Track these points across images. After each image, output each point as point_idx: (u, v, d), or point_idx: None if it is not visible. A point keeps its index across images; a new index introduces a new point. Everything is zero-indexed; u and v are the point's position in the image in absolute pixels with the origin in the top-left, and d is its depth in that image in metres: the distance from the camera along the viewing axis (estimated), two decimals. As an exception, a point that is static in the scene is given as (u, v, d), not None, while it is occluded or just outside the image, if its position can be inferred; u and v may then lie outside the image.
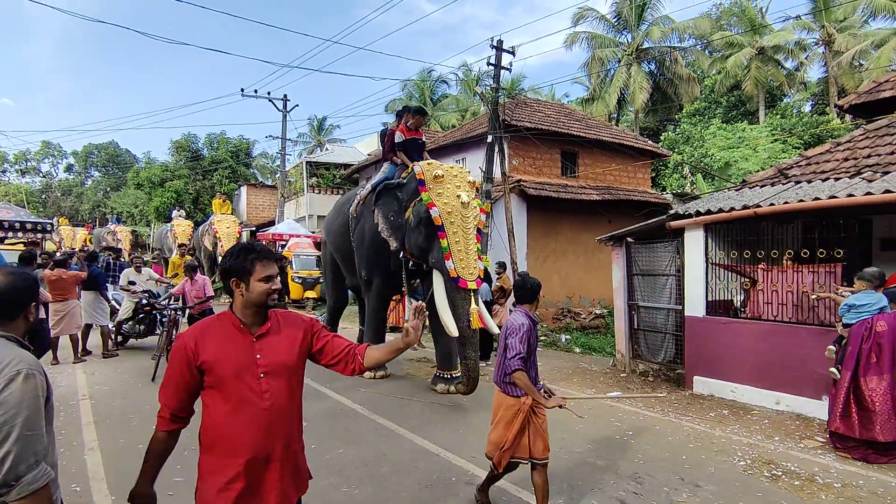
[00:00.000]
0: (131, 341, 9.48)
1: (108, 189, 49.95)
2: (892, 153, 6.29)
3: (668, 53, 25.65)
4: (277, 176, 21.26)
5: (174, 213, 23.93)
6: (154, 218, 33.46)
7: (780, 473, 4.46)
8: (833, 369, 5.17)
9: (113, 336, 9.10)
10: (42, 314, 8.31)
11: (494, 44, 11.90)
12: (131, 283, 8.99)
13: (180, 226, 21.18)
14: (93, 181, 54.73)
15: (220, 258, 15.70)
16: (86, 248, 18.88)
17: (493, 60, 11.96)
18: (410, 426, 5.51)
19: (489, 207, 11.65)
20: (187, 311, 7.58)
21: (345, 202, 8.48)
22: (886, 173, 5.85)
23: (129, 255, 14.28)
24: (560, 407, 3.43)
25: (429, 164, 6.46)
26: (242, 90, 19.21)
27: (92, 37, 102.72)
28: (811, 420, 5.82)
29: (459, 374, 6.60)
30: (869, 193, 5.45)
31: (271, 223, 22.27)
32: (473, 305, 5.90)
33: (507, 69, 12.46)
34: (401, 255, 6.83)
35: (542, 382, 3.64)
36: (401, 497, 3.91)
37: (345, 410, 6.13)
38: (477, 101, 27.73)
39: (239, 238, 17.33)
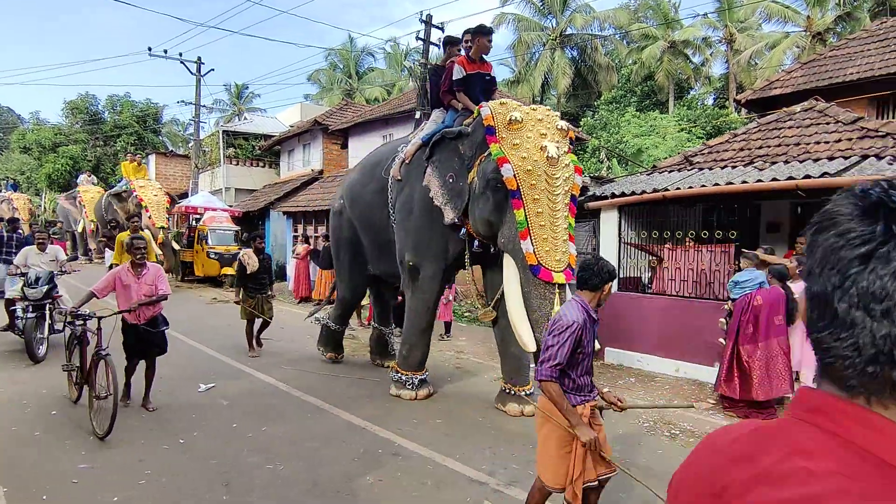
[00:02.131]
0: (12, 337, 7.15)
1: (-13, 152, 44.32)
2: (780, 145, 7.00)
3: (589, 41, 26.60)
4: (190, 145, 19.93)
5: (81, 177, 21.06)
6: (45, 186, 30.31)
7: (677, 433, 4.95)
8: (721, 339, 5.78)
9: None
10: None
11: (424, 18, 11.77)
12: (24, 269, 6.76)
13: (88, 192, 18.78)
14: (-34, 142, 48.31)
15: (147, 230, 12.84)
16: None
17: (422, 35, 11.83)
18: (336, 402, 5.51)
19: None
20: (117, 317, 4.77)
21: (377, 162, 6.43)
22: (774, 163, 6.51)
23: (31, 228, 12.23)
24: (585, 446, 2.69)
25: (502, 103, 4.78)
26: (150, 49, 17.66)
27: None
28: (705, 384, 6.47)
29: (533, 391, 5.18)
30: (759, 181, 6.06)
31: (184, 195, 20.86)
32: (559, 307, 4.18)
33: (436, 45, 12.38)
34: (461, 231, 5.17)
35: (597, 391, 2.99)
36: (328, 471, 3.93)
37: (267, 388, 6.00)
38: (405, 76, 27.37)
39: (169, 208, 15.27)
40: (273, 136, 21.58)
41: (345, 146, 17.36)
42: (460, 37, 5.70)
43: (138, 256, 4.84)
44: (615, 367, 7.30)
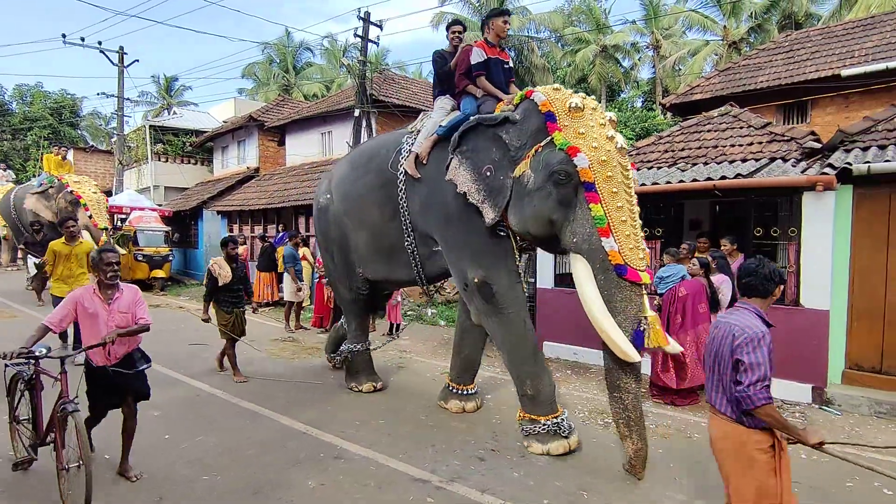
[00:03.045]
0: None
1: None
2: (700, 147, 7.49)
3: (525, 42, 27.23)
4: (114, 140, 18.70)
5: None
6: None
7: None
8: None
9: None
10: None
11: (362, 15, 11.65)
12: None
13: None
14: None
15: (86, 231, 11.06)
16: None
17: (360, 32, 11.71)
18: (275, 407, 5.39)
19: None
20: (78, 354, 3.68)
21: (371, 155, 5.67)
22: (695, 165, 6.97)
23: None
24: (819, 446, 2.48)
25: (556, 89, 4.29)
26: (64, 36, 16.41)
27: None
28: (635, 374, 6.83)
29: (476, 390, 5.44)
30: (682, 181, 6.47)
31: (108, 193, 19.58)
32: (651, 311, 3.97)
33: (375, 42, 12.30)
34: (500, 230, 4.53)
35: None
36: (268, 477, 3.86)
37: (202, 396, 5.78)
38: (343, 73, 26.94)
39: (107, 207, 13.22)
40: (205, 132, 20.67)
41: (282, 143, 16.90)
42: (452, 21, 5.47)
43: (109, 275, 3.62)
44: (552, 360, 7.57)
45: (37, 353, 3.40)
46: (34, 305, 10.86)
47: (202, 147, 21.11)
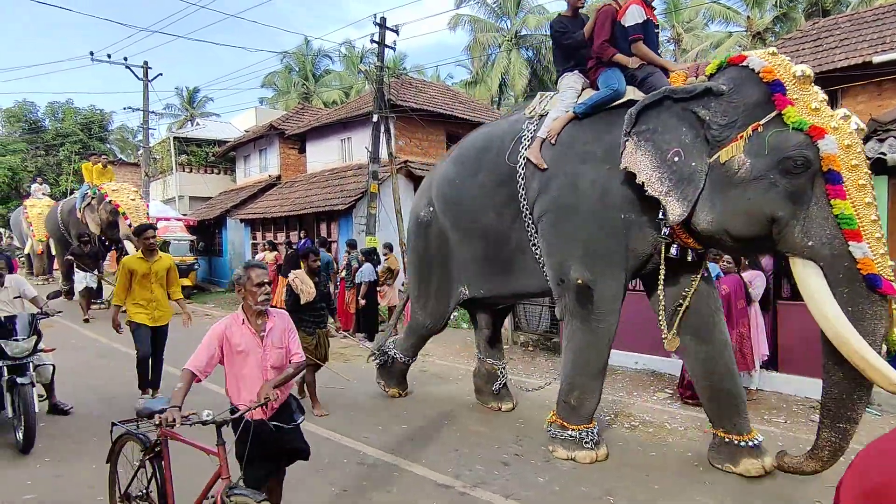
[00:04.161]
0: None
1: (-84, 165, 41.51)
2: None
3: (544, 42, 27.05)
4: (140, 152, 19.17)
5: (34, 185, 18.60)
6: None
7: (637, 424, 5.09)
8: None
9: None
10: None
11: (378, 21, 11.70)
12: None
13: (35, 207, 16.07)
14: None
15: (127, 241, 11.06)
16: None
17: (377, 38, 11.76)
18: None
19: (377, 188, 11.58)
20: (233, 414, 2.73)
21: (484, 147, 4.85)
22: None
23: None
24: None
25: (773, 54, 3.48)
26: (92, 54, 16.90)
27: None
28: (662, 375, 6.67)
29: (761, 440, 4.08)
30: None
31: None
32: None
33: (392, 48, 12.35)
34: (663, 230, 3.79)
35: None
36: (291, 482, 3.84)
37: (225, 402, 5.83)
38: (361, 79, 27.17)
39: (147, 213, 12.69)
40: (227, 142, 21.05)
41: (302, 151, 17.10)
42: None
43: (261, 299, 2.76)
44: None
45: (204, 418, 2.55)
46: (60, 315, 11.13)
47: (225, 157, 21.50)
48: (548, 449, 4.38)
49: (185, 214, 18.62)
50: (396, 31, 12.08)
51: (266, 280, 2.82)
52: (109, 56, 17.17)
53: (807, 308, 3.37)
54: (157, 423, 2.59)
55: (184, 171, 21.42)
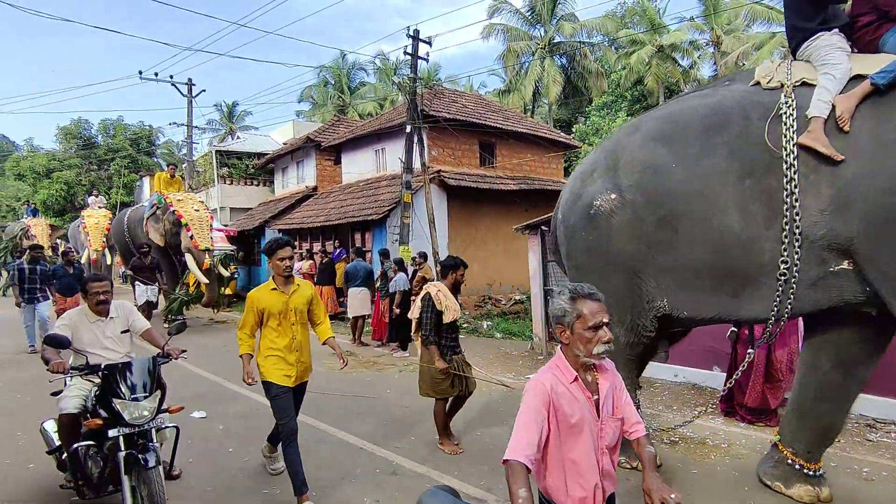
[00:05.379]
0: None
1: (-18, 180, 44.44)
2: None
3: (578, 49, 26.84)
4: (184, 165, 19.97)
5: (90, 198, 19.15)
6: (41, 212, 30.40)
7: (676, 439, 4.90)
8: (751, 350, 5.65)
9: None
10: None
11: (411, 33, 11.85)
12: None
13: (92, 217, 16.37)
14: (-38, 171, 48.47)
15: (188, 253, 10.97)
16: None
17: (410, 50, 11.91)
18: (332, 421, 5.45)
19: (410, 198, 11.67)
20: None
21: (717, 125, 3.57)
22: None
23: (64, 255, 9.58)
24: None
25: None
26: (141, 73, 17.76)
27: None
28: (703, 388, 6.43)
29: (824, 472, 3.76)
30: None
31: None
32: None
33: (425, 59, 12.48)
34: None
35: None
36: (325, 492, 3.88)
37: (261, 410, 5.93)
38: (395, 90, 27.55)
39: (211, 226, 12.18)
40: (266, 155, 21.65)
41: (338, 162, 17.42)
42: None
43: (600, 350, 1.93)
44: (614, 375, 7.27)
45: None
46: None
47: (264, 169, 22.11)
48: (764, 480, 3.92)
49: (226, 225, 19.22)
50: (429, 43, 12.20)
51: (606, 321, 1.90)
52: (157, 74, 18.01)
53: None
54: None
55: (225, 183, 22.13)
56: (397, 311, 9.01)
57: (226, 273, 12.89)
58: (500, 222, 14.22)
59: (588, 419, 1.93)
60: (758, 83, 3.60)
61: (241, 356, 3.85)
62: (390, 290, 9.12)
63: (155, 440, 3.24)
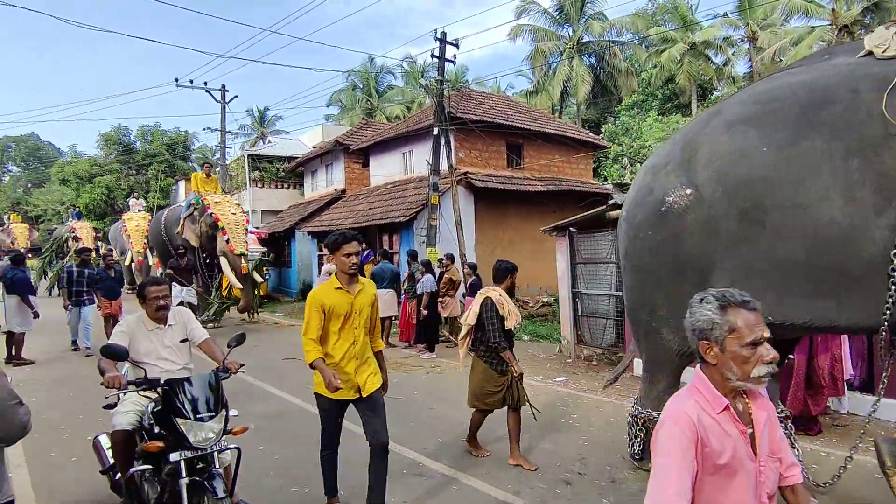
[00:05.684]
0: None
1: (30, 185, 46.59)
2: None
3: (607, 48, 26.47)
4: (218, 170, 20.52)
5: (131, 201, 19.82)
6: (85, 215, 31.71)
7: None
8: (791, 356, 5.47)
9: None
10: None
11: (438, 36, 11.89)
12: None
13: (133, 220, 17.22)
14: (11, 176, 50.91)
15: (223, 257, 10.87)
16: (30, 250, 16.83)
17: (437, 52, 11.95)
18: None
19: (437, 200, 11.70)
20: None
21: (818, 102, 3.20)
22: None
23: (104, 258, 9.85)
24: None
25: None
26: (177, 80, 18.29)
27: (5, 21, 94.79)
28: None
29: None
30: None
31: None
32: None
33: (452, 61, 12.50)
34: None
35: None
36: (352, 492, 3.91)
37: (291, 410, 6.03)
38: (422, 93, 27.70)
39: (247, 230, 11.97)
40: (296, 158, 22.04)
41: (366, 165, 17.60)
42: None
43: (760, 373, 1.55)
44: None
45: None
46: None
47: (294, 172, 22.51)
48: None
49: (257, 227, 19.63)
50: (456, 45, 12.21)
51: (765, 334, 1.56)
52: (192, 81, 18.53)
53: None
54: None
55: (256, 186, 22.62)
56: (424, 312, 9.03)
57: (260, 279, 12.94)
58: (527, 224, 14.12)
59: (743, 459, 1.55)
60: (869, 53, 3.22)
61: (311, 365, 3.28)
62: (417, 292, 9.15)
63: (218, 465, 2.95)
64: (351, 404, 3.49)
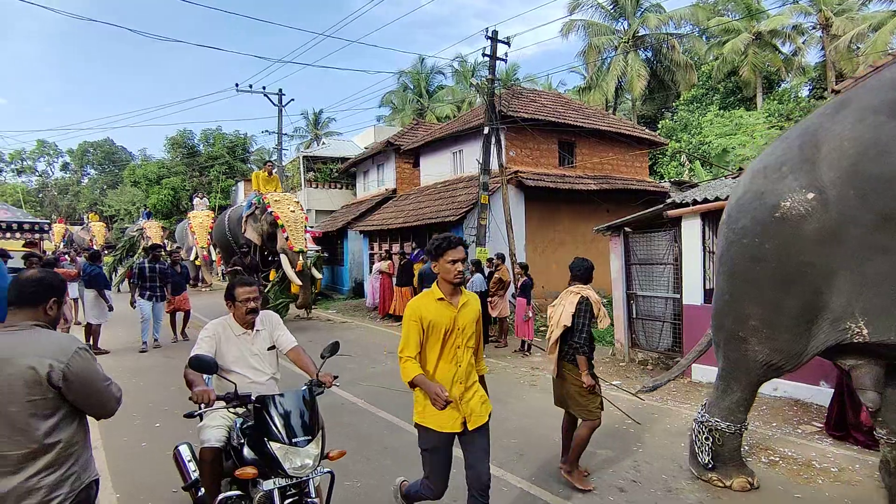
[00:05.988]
0: None
1: (105, 187, 49.98)
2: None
3: (664, 40, 25.54)
4: (276, 170, 21.31)
5: (195, 199, 20.55)
6: (153, 215, 33.80)
7: (777, 459, 4.50)
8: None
9: None
10: None
11: (489, 34, 11.83)
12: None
13: (197, 217, 18.03)
14: (89, 179, 54.79)
15: (283, 254, 10.96)
16: (91, 248, 18.27)
17: (488, 51, 11.89)
18: (410, 418, 5.53)
19: (487, 199, 11.65)
20: None
21: None
22: None
23: (171, 254, 10.21)
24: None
25: None
26: (237, 85, 19.14)
27: (84, 34, 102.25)
28: (808, 405, 5.86)
29: None
30: None
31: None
32: None
33: (503, 60, 12.39)
34: None
35: None
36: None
37: (345, 405, 6.17)
38: (473, 92, 27.66)
39: (306, 227, 12.09)
40: (349, 159, 22.53)
41: (416, 165, 17.77)
42: None
43: None
44: (704, 385, 6.81)
45: None
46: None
47: (346, 172, 23.03)
48: None
49: (311, 227, 20.23)
50: (508, 44, 12.11)
51: None
52: (251, 86, 19.32)
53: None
54: None
55: (311, 186, 23.29)
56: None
57: (318, 276, 13.09)
58: (579, 223, 13.83)
59: None
60: None
61: (411, 383, 2.87)
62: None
63: (313, 493, 2.69)
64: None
